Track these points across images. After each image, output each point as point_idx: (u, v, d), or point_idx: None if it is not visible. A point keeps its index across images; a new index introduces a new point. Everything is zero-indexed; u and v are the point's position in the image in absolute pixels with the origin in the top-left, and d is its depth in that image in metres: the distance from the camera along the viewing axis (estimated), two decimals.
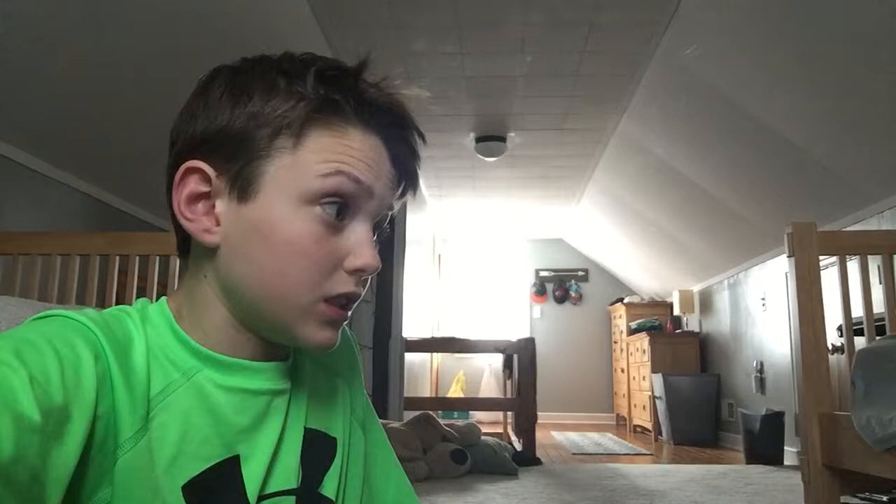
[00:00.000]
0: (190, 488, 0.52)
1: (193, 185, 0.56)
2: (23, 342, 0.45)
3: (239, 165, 0.55)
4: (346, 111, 0.56)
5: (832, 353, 2.34)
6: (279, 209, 0.54)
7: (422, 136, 0.62)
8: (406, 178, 0.62)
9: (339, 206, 0.55)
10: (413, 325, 5.48)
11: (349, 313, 0.58)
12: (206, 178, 0.56)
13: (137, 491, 0.49)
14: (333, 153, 0.55)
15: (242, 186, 0.55)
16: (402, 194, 0.62)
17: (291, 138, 0.55)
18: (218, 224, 0.56)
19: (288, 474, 0.59)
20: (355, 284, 0.57)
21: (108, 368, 0.49)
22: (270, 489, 0.57)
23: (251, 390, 0.57)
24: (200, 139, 0.56)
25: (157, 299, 0.60)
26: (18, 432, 0.40)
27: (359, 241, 0.56)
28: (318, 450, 0.62)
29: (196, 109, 0.56)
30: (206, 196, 0.56)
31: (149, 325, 0.55)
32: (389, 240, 4.97)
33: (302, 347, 0.59)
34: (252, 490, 0.55)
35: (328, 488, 0.62)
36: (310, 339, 0.56)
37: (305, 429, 0.61)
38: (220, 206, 0.56)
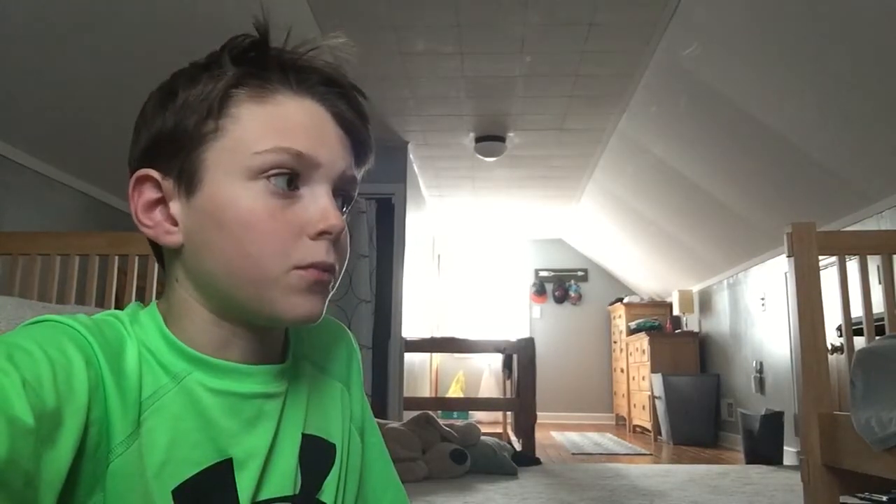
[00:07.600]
0: (180, 492, 0.51)
1: (147, 193, 0.57)
2: (14, 347, 0.45)
3: (180, 161, 0.55)
4: (268, 78, 0.56)
5: (832, 353, 2.34)
6: (226, 191, 0.54)
7: (360, 91, 0.60)
8: (355, 138, 0.60)
9: (289, 176, 0.54)
10: (413, 325, 5.47)
11: (329, 282, 0.56)
12: (158, 185, 0.56)
13: (128, 495, 0.49)
14: (268, 126, 0.55)
15: (188, 179, 0.55)
16: (359, 156, 0.61)
17: (217, 119, 0.54)
18: (175, 224, 0.56)
19: (283, 481, 0.58)
20: (326, 252, 0.55)
21: (101, 373, 0.49)
22: (265, 495, 0.56)
23: (240, 393, 0.56)
24: (143, 151, 0.57)
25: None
26: (12, 435, 0.40)
27: (318, 206, 0.55)
28: (317, 456, 0.61)
29: (138, 130, 0.58)
30: (162, 202, 0.57)
31: (139, 329, 0.55)
32: (389, 240, 4.96)
33: (287, 324, 0.58)
34: (245, 495, 0.54)
35: (327, 495, 0.61)
36: (291, 312, 0.55)
37: (304, 435, 0.60)
38: (175, 206, 0.56)
